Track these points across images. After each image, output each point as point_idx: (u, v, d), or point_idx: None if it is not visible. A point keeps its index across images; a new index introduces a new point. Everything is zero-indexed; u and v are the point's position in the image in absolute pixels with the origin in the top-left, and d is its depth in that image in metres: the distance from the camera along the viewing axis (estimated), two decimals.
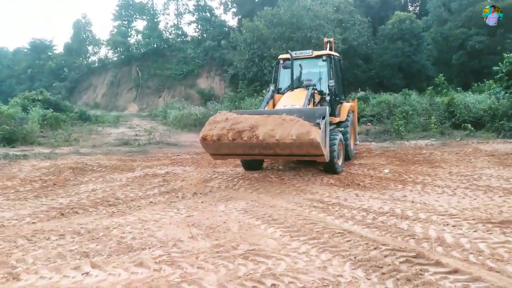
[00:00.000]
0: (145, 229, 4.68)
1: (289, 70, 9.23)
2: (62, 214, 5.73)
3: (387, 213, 5.12)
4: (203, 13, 49.28)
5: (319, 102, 8.82)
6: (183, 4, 51.26)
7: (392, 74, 31.05)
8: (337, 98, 9.43)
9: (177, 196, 6.55)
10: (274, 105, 8.89)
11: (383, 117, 17.45)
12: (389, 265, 3.43)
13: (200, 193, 6.71)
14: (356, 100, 11.80)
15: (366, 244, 3.97)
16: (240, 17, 44.41)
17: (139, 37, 51.20)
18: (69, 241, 4.37)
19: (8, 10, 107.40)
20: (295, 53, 9.54)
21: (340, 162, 8.26)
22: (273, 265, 3.52)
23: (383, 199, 5.90)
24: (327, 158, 6.84)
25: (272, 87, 9.28)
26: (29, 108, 22.76)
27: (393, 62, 30.86)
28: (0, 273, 3.47)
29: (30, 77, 54.06)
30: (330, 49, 10.60)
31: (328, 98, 8.92)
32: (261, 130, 6.55)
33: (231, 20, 51.08)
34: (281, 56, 9.96)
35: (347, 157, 9.38)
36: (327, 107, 7.18)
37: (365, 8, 36.23)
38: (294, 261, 3.60)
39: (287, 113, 6.84)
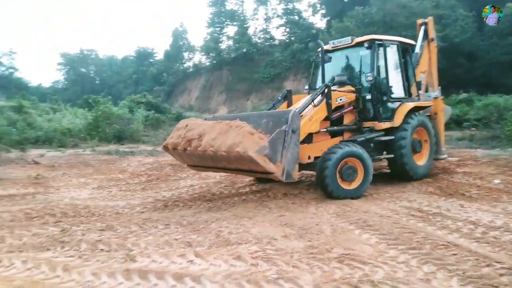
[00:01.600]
0: (240, 225, 4.89)
1: (328, 65, 7.85)
2: (166, 206, 6.29)
3: (500, 228, 4.59)
4: (292, 16, 49.71)
5: (351, 102, 7.24)
6: (272, 9, 52.39)
7: (502, 73, 27.77)
8: (384, 97, 7.50)
9: (268, 196, 6.71)
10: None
11: (491, 121, 15.71)
12: (506, 285, 3.08)
13: (290, 194, 6.78)
14: (441, 98, 9.06)
15: (476, 260, 3.62)
16: (329, 18, 43.82)
17: (230, 42, 53.65)
18: (174, 230, 4.78)
19: (117, 22, 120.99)
20: (333, 43, 8.20)
21: (350, 185, 6.42)
22: (370, 272, 3.41)
23: (495, 212, 5.30)
24: (280, 176, 5.42)
25: (306, 86, 8.64)
26: (134, 109, 25.37)
27: (504, 60, 27.58)
28: (120, 254, 3.94)
29: (135, 82, 60.17)
30: (426, 33, 9.38)
31: (369, 96, 7.33)
32: (205, 139, 5.85)
33: (319, 22, 50.73)
34: (319, 49, 8.07)
35: (408, 177, 7.52)
36: (293, 110, 5.85)
37: (470, 1, 32.97)
38: (393, 270, 3.44)
39: (254, 117, 6.08)
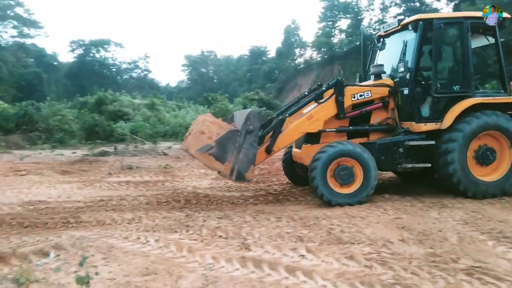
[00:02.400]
0: (352, 224, 4.74)
1: (383, 53, 6.99)
2: (277, 200, 6.46)
3: None
4: (412, 4, 45.93)
5: (383, 98, 6.33)
6: None
7: None
8: (428, 92, 6.12)
9: (383, 196, 6.33)
10: None
11: None
12: None
13: (408, 196, 6.29)
14: None
15: None
16: (456, 2, 39.15)
17: (342, 36, 52.22)
18: (285, 224, 4.88)
19: (234, 23, 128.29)
20: (383, 27, 7.09)
21: (346, 189, 5.78)
22: None
23: None
24: (229, 176, 5.45)
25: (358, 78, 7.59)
26: (247, 106, 26.70)
27: None
28: (236, 242, 4.19)
29: (249, 80, 63.13)
30: None
31: (407, 91, 6.15)
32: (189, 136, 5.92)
33: (444, 6, 45.82)
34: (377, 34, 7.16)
35: (460, 193, 6.01)
36: (250, 110, 5.76)
37: None
38: None
39: (242, 114, 5.93)
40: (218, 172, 5.97)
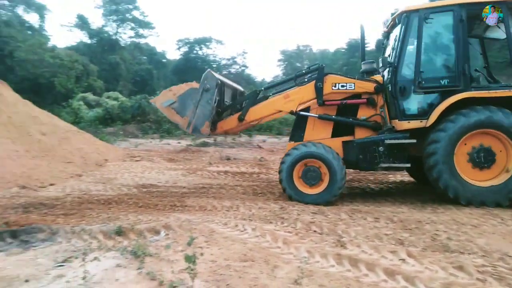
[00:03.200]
0: (462, 232, 4.30)
1: (387, 49, 6.81)
2: (375, 199, 6.20)
3: None
4: None
5: (368, 94, 6.14)
6: None
7: None
8: (411, 87, 5.75)
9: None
10: None
11: None
12: None
13: None
14: None
15: None
16: None
17: None
18: (384, 225, 4.65)
19: (331, 16, 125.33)
20: (384, 23, 6.78)
21: (313, 190, 5.90)
22: None
23: None
24: (186, 128, 6.57)
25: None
26: None
27: None
28: (331, 238, 4.14)
29: (346, 73, 60.62)
30: None
31: (390, 87, 5.92)
32: None
33: None
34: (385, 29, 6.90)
35: (449, 198, 5.47)
36: (208, 70, 6.56)
37: None
38: None
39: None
40: (178, 125, 6.92)
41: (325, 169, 5.88)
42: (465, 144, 5.49)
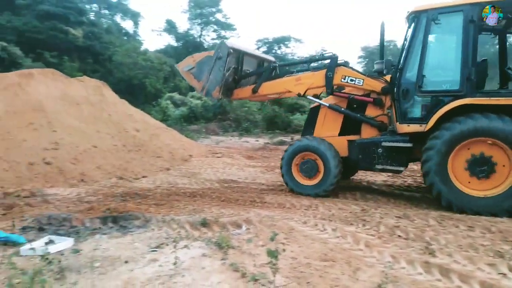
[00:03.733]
0: None
1: None
2: None
3: None
4: None
5: (375, 93, 6.23)
6: None
7: None
8: (411, 90, 5.61)
9: None
10: None
11: None
12: None
13: None
14: None
15: None
16: None
17: None
18: (479, 235, 4.24)
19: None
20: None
21: (310, 181, 6.40)
22: None
23: None
24: (200, 91, 7.22)
25: None
26: None
27: None
28: (417, 245, 3.90)
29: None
30: None
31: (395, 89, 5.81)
32: None
33: None
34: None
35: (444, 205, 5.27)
36: (222, 41, 7.28)
37: None
38: None
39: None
40: (195, 89, 7.54)
41: (322, 163, 6.24)
42: (468, 149, 5.18)
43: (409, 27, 5.80)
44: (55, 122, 8.83)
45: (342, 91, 6.67)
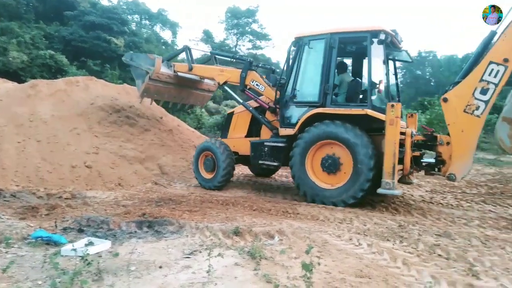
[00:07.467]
0: None
1: None
2: None
3: None
4: None
5: (271, 101, 7.59)
6: None
7: None
8: (286, 101, 7.15)
9: None
10: None
11: None
12: None
13: None
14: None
15: None
16: None
17: None
18: None
19: (460, 20, 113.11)
20: None
21: (209, 175, 7.96)
22: None
23: None
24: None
25: None
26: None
27: None
28: (460, 265, 3.70)
29: None
30: None
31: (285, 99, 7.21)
32: None
33: None
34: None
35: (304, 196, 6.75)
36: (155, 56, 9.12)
37: None
38: None
39: None
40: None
41: (214, 158, 7.71)
42: (324, 148, 6.54)
43: (292, 49, 7.10)
44: (96, 127, 9.21)
45: (254, 95, 7.93)
